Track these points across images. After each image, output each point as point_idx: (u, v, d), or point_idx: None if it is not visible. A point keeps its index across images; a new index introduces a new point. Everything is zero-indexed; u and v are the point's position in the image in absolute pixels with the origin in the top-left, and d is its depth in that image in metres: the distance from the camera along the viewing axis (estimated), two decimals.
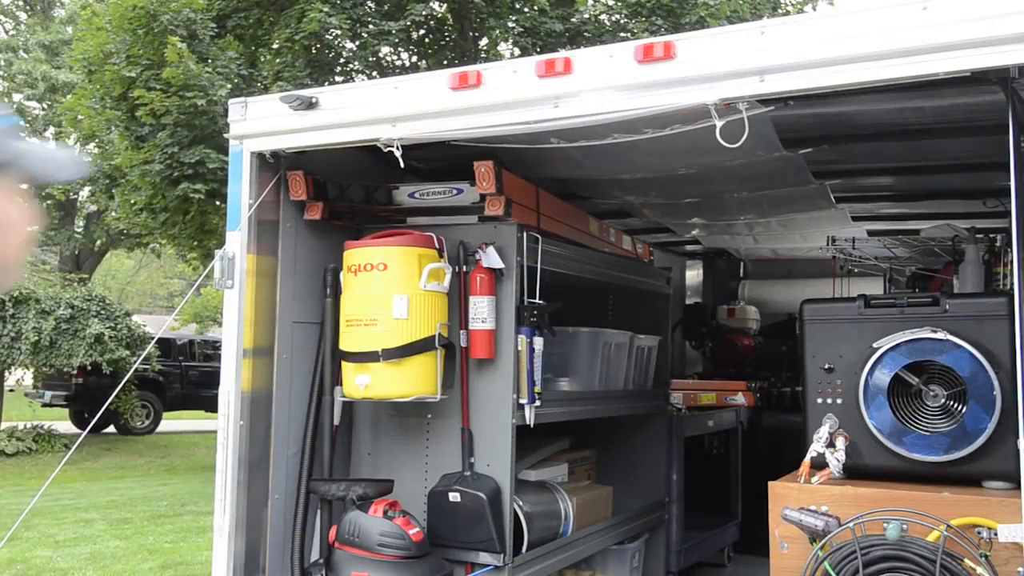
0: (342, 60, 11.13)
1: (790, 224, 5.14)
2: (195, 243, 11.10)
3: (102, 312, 14.13)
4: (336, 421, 3.73)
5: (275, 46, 10.57)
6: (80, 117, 11.09)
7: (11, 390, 19.80)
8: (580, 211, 4.68)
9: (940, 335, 3.08)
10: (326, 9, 9.56)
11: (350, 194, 3.81)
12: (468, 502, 3.44)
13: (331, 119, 3.36)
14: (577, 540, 4.11)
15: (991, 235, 4.45)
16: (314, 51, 10.46)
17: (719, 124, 2.68)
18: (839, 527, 2.86)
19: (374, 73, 11.64)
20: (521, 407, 3.55)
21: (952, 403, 3.09)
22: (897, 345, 3.14)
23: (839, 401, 3.27)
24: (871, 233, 5.36)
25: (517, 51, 11.11)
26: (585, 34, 10.59)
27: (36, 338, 13.54)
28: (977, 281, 4.15)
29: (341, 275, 3.63)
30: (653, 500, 4.91)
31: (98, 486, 11.39)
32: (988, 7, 2.36)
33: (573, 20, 10.72)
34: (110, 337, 13.80)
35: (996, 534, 2.68)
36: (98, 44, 10.20)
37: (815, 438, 3.22)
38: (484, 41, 11.42)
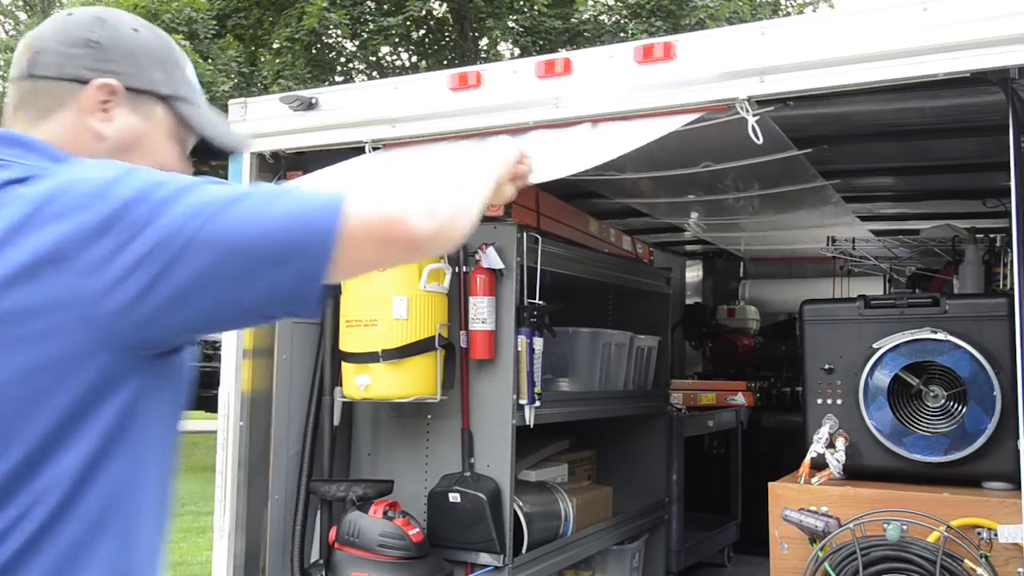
0: (342, 60, 11.15)
1: (790, 224, 5.13)
2: None
3: None
4: (336, 422, 3.72)
5: (275, 46, 10.57)
6: None
7: None
8: (580, 211, 4.67)
9: (940, 336, 3.07)
10: (325, 4, 9.55)
11: None
12: (468, 503, 3.44)
13: (331, 120, 3.36)
14: (577, 540, 4.11)
15: (991, 235, 4.45)
16: (314, 51, 10.46)
17: (751, 120, 2.66)
18: (839, 528, 2.86)
19: (374, 73, 11.66)
20: (521, 408, 3.54)
21: (952, 404, 3.09)
22: (897, 346, 3.14)
23: (839, 402, 3.27)
24: (871, 233, 5.35)
25: (517, 51, 11.12)
26: (585, 34, 10.60)
27: None
28: (977, 281, 4.14)
29: None
30: (653, 500, 4.90)
31: None
32: (988, 8, 2.36)
33: (573, 20, 10.73)
34: None
35: (996, 535, 2.68)
36: None
37: (815, 439, 3.21)
38: (484, 41, 11.43)
